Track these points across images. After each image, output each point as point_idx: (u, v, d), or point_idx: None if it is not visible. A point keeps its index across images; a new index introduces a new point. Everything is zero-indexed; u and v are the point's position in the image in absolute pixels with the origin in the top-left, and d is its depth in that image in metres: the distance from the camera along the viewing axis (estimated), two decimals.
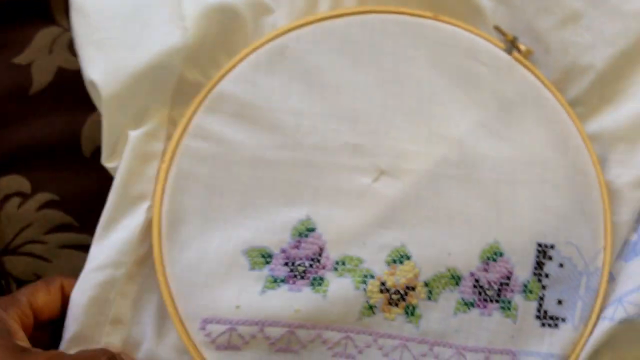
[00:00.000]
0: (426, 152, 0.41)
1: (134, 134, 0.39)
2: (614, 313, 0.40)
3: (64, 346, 0.37)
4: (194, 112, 0.39)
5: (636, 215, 0.42)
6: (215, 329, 0.38)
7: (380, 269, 0.40)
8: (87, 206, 0.39)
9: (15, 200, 0.41)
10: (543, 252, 0.41)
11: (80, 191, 0.41)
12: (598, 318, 0.41)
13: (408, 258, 0.40)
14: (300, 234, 0.39)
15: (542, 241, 0.41)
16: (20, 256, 0.41)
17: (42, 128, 0.42)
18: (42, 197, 0.41)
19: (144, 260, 0.39)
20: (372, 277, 0.40)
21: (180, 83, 0.40)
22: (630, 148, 0.43)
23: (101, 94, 0.38)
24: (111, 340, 0.38)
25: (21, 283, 0.40)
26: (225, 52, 0.41)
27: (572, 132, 0.42)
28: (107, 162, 0.39)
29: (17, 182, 0.41)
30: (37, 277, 0.40)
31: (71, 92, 0.40)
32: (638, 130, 0.43)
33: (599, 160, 0.43)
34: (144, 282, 0.39)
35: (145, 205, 0.39)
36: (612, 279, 0.42)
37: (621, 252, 0.42)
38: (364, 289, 0.39)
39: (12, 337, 0.33)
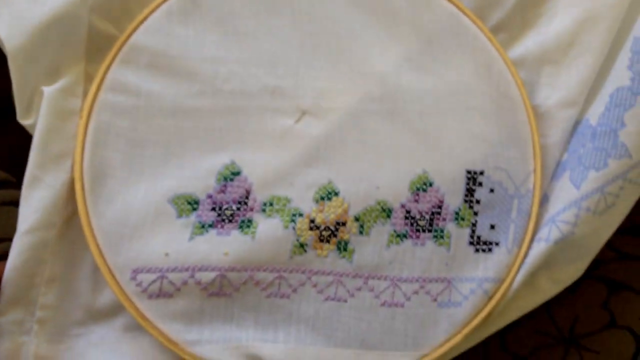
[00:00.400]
0: (348, 90, 0.41)
1: (48, 90, 0.39)
2: (549, 234, 0.39)
3: (1, 309, 0.37)
4: (109, 66, 0.39)
5: (566, 135, 0.42)
6: (146, 278, 0.38)
7: (308, 207, 0.40)
8: (23, 162, 0.39)
9: None
10: (473, 179, 0.41)
11: (16, 148, 0.41)
12: (532, 240, 0.40)
13: (336, 194, 0.40)
14: (225, 179, 0.39)
15: (471, 168, 0.41)
16: None
17: None
18: None
19: (73, 217, 0.39)
20: (301, 215, 0.39)
21: (93, 37, 0.40)
22: (556, 69, 0.43)
23: (6, 48, 0.38)
24: (47, 299, 0.38)
25: None
26: (137, 2, 0.41)
27: (495, 58, 0.42)
28: (22, 119, 0.39)
29: None
30: None
31: None
32: (562, 51, 0.42)
33: (526, 85, 0.42)
34: (76, 239, 0.39)
35: (68, 163, 0.39)
36: (546, 200, 0.41)
37: (554, 173, 0.42)
38: (293, 228, 0.39)
39: None
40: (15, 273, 0.38)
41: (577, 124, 0.42)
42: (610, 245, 0.42)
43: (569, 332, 0.42)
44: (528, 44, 0.43)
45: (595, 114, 0.40)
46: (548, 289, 0.41)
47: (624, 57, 0.40)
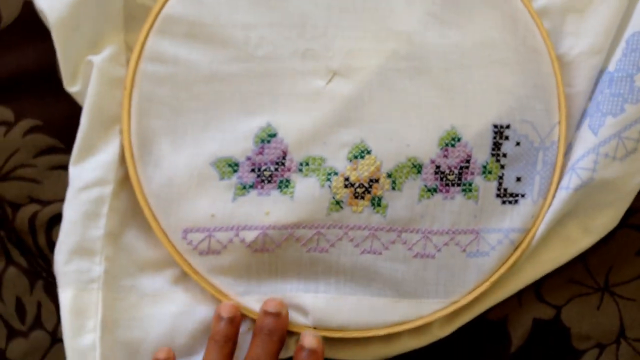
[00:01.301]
0: (375, 49, 0.42)
1: (97, 59, 0.41)
2: (569, 181, 0.41)
3: (61, 260, 0.40)
4: (146, 36, 0.41)
5: (591, 84, 0.43)
6: (195, 237, 0.41)
7: (342, 166, 0.42)
8: (69, 128, 0.41)
9: (1, 129, 0.44)
10: (499, 133, 0.42)
11: (62, 115, 0.43)
12: (556, 190, 0.42)
13: (368, 152, 0.42)
14: (262, 141, 0.42)
15: (498, 122, 0.42)
16: (12, 181, 0.44)
17: (16, 60, 0.44)
18: (26, 123, 0.44)
19: (125, 181, 0.42)
20: (336, 174, 0.42)
21: (129, 7, 0.41)
22: (580, 17, 0.43)
23: (49, 20, 0.40)
24: (109, 251, 0.41)
25: (15, 207, 0.43)
26: None
27: (520, 9, 0.42)
28: (68, 87, 0.42)
29: (0, 112, 0.44)
30: (31, 199, 0.43)
31: (39, 23, 0.42)
32: None
33: (551, 35, 0.43)
34: (128, 200, 0.42)
35: (117, 128, 0.41)
36: (570, 149, 0.43)
37: (578, 122, 0.43)
38: (329, 186, 0.41)
39: None
40: (74, 226, 0.40)
41: (601, 72, 0.43)
42: None
43: (604, 281, 0.43)
44: None
45: (614, 60, 0.41)
46: (580, 239, 0.43)
47: None
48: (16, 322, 0.43)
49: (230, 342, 0.40)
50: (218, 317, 0.40)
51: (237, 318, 0.40)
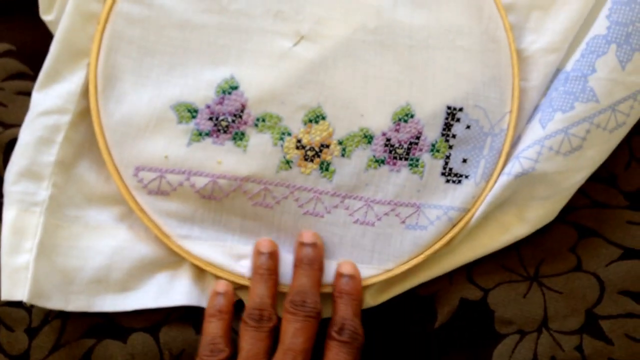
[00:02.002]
0: (345, 19, 0.43)
1: None
2: (512, 168, 0.42)
3: (10, 179, 0.41)
4: None
5: (547, 80, 0.44)
6: (147, 176, 0.42)
7: (297, 127, 0.43)
8: (40, 57, 0.43)
9: None
10: (452, 115, 0.43)
11: (35, 42, 0.45)
12: (499, 175, 0.43)
13: (323, 118, 0.43)
14: (224, 92, 0.43)
15: (452, 104, 0.43)
16: None
17: None
18: (0, 47, 0.45)
19: (85, 113, 0.43)
20: (289, 134, 0.43)
21: None
22: (543, 14, 0.44)
23: None
24: (57, 179, 0.42)
25: None
26: None
27: (487, 1, 0.44)
28: (43, 15, 0.43)
29: None
30: None
31: None
32: None
33: (514, 29, 0.44)
34: (85, 133, 0.43)
35: (85, 61, 0.43)
36: (519, 140, 0.44)
37: (530, 116, 0.44)
38: (281, 145, 0.43)
39: None
40: (27, 148, 0.42)
41: (558, 71, 0.44)
42: (584, 192, 0.44)
43: (534, 271, 0.45)
44: None
45: (572, 60, 0.43)
46: (516, 227, 0.44)
47: (605, 6, 0.42)
48: None
49: (273, 275, 0.42)
50: (258, 253, 0.42)
51: (275, 252, 0.42)
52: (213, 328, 0.41)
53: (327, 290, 0.43)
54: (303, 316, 0.39)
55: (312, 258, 0.42)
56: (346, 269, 0.42)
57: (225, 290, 0.42)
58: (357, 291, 0.42)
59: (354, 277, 0.42)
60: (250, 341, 0.39)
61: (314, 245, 0.42)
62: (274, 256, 0.42)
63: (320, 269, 0.42)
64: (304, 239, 0.42)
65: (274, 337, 0.40)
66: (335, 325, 0.40)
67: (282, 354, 0.39)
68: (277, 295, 0.42)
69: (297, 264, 0.42)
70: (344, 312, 0.41)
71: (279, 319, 0.41)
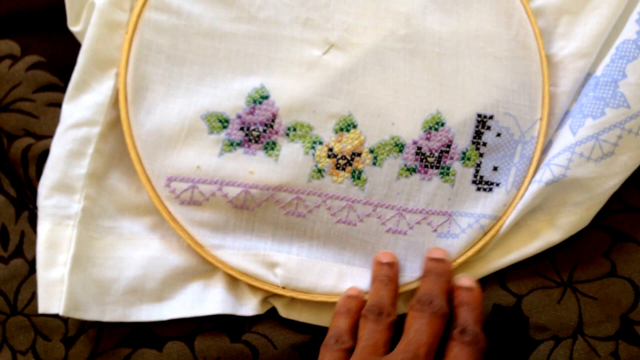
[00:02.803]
0: (374, 27, 0.43)
1: (100, 1, 0.42)
2: (542, 175, 0.42)
3: (43, 193, 0.41)
4: None
5: (576, 86, 0.44)
6: (179, 186, 0.43)
7: (328, 136, 0.43)
8: (70, 68, 0.43)
9: (6, 62, 0.45)
10: (482, 123, 0.43)
11: (64, 54, 0.45)
12: (530, 183, 0.43)
13: (354, 126, 0.43)
14: (254, 101, 0.43)
15: (482, 112, 0.43)
16: (10, 113, 0.45)
17: None
18: (31, 59, 0.46)
19: (115, 124, 0.43)
20: (321, 143, 0.43)
21: None
22: (573, 20, 0.44)
23: None
24: (90, 191, 0.42)
25: (11, 138, 0.45)
26: None
27: (516, 6, 0.44)
28: (71, 26, 0.43)
29: (8, 45, 0.46)
30: (26, 132, 0.45)
31: None
32: (581, 2, 0.44)
33: (543, 35, 0.44)
34: (116, 143, 0.43)
35: (113, 71, 0.43)
36: (550, 147, 0.44)
37: (560, 122, 0.44)
38: (313, 154, 0.43)
39: None
40: (58, 162, 0.42)
41: (588, 76, 0.44)
42: (617, 196, 0.44)
43: (568, 277, 0.44)
44: None
45: (602, 65, 0.42)
46: (548, 234, 0.44)
47: (635, 11, 0.42)
48: None
49: (393, 283, 0.43)
50: (379, 263, 0.43)
51: (396, 264, 0.43)
52: (341, 323, 0.41)
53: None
54: (429, 313, 0.39)
55: (441, 270, 0.42)
56: (465, 282, 0.42)
57: (357, 294, 0.43)
58: (476, 301, 0.41)
59: (473, 289, 0.41)
60: (369, 332, 0.40)
61: (441, 259, 0.42)
62: (393, 266, 0.43)
63: (449, 281, 0.42)
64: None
65: (393, 332, 0.40)
66: (456, 328, 0.40)
67: (405, 345, 0.39)
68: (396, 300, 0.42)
69: (426, 274, 0.42)
70: (465, 317, 0.40)
71: (398, 318, 0.41)
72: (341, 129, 0.43)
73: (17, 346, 0.44)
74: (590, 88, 0.42)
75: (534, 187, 0.42)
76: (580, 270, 0.44)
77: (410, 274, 0.43)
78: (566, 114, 0.44)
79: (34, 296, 0.44)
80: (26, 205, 0.45)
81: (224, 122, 0.43)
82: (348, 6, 0.43)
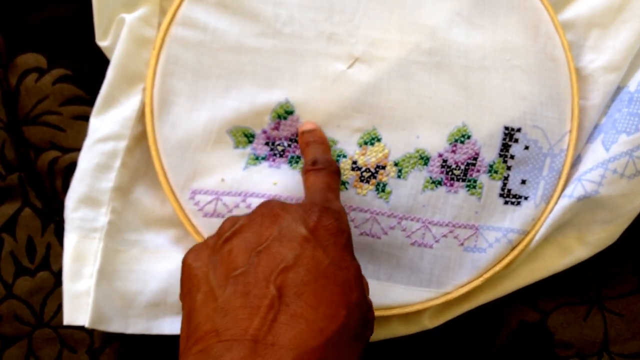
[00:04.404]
0: (399, 41, 0.43)
1: (129, 17, 0.43)
2: (574, 190, 0.42)
3: (70, 206, 0.42)
4: (181, 2, 0.42)
5: (607, 99, 0.43)
6: (203, 198, 0.43)
7: (352, 150, 0.43)
8: (96, 81, 0.43)
9: (33, 75, 0.46)
10: (510, 135, 0.43)
11: (91, 67, 0.45)
12: (559, 197, 0.43)
13: (379, 140, 0.43)
14: (279, 117, 0.43)
15: (510, 124, 0.43)
16: (37, 126, 0.46)
17: (55, 9, 0.46)
18: (57, 72, 0.46)
19: (141, 138, 0.43)
20: (345, 156, 0.43)
21: None
22: (603, 33, 0.44)
23: None
24: (116, 204, 0.42)
25: (38, 151, 0.46)
26: None
27: (544, 18, 0.43)
28: (99, 41, 0.44)
29: (35, 58, 0.46)
30: (53, 145, 0.46)
31: None
32: (611, 15, 0.43)
33: (572, 48, 0.44)
34: (141, 157, 0.43)
35: (140, 86, 0.43)
36: (579, 161, 0.43)
37: (590, 136, 0.44)
38: None
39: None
40: (85, 175, 0.42)
41: (619, 90, 0.43)
42: None
43: (595, 293, 0.44)
44: (579, 6, 0.44)
45: (636, 80, 0.42)
46: (577, 250, 0.43)
47: None
48: (25, 261, 0.45)
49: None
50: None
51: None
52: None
53: (380, 313, 0.42)
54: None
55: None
56: (307, 126, 0.42)
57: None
58: (320, 137, 0.42)
59: (315, 129, 0.42)
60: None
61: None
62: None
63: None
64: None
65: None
66: (308, 162, 0.39)
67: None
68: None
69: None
70: (314, 152, 0.41)
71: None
72: (365, 143, 0.43)
73: (43, 358, 0.44)
74: (624, 104, 0.42)
75: (564, 202, 0.42)
76: (607, 288, 0.44)
77: (437, 288, 0.43)
78: (596, 127, 0.44)
79: (59, 308, 0.44)
80: (52, 218, 0.45)
81: (249, 137, 0.43)
82: (373, 21, 0.43)
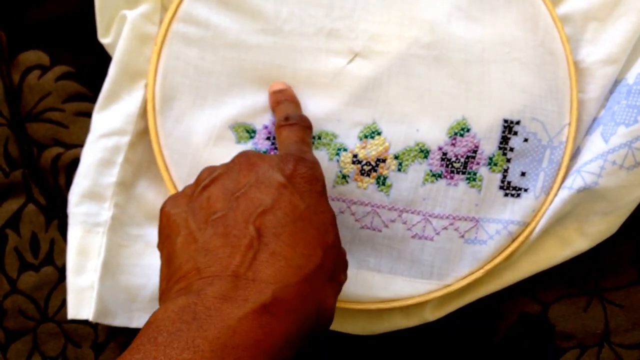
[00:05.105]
0: (398, 35, 0.44)
1: (131, 14, 0.43)
2: (573, 182, 0.42)
3: (74, 201, 0.42)
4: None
5: (605, 92, 0.44)
6: None
7: (352, 143, 0.43)
8: (98, 78, 0.44)
9: (36, 72, 0.46)
10: (509, 128, 0.43)
11: (93, 64, 0.46)
12: (559, 188, 0.43)
13: (379, 134, 0.43)
14: None
15: (509, 117, 0.43)
16: (40, 123, 0.46)
17: (57, 6, 0.47)
18: (60, 69, 0.46)
19: (143, 133, 0.44)
20: (345, 150, 0.43)
21: None
22: (601, 26, 0.44)
23: None
24: (119, 199, 0.43)
25: (41, 147, 0.46)
26: None
27: (542, 12, 0.43)
28: (101, 38, 0.44)
29: (38, 55, 0.46)
30: (56, 141, 0.46)
31: None
32: (608, 8, 0.43)
33: (570, 41, 0.44)
34: (144, 152, 0.44)
35: (142, 82, 0.44)
36: (578, 153, 0.44)
37: (588, 128, 0.44)
38: (337, 160, 0.43)
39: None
40: (89, 170, 0.43)
41: (617, 82, 0.43)
42: None
43: (595, 285, 0.44)
44: (576, 0, 0.44)
45: (634, 73, 0.42)
46: (577, 242, 0.43)
47: None
48: (29, 256, 0.46)
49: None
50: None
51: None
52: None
53: (375, 306, 0.43)
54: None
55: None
56: (277, 86, 0.43)
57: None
58: (291, 96, 0.43)
59: (285, 89, 0.43)
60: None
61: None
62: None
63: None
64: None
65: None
66: (280, 119, 0.40)
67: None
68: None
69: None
70: (286, 108, 0.41)
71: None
72: (365, 136, 0.43)
73: (47, 352, 0.45)
74: (622, 96, 0.42)
75: (564, 194, 0.42)
76: (607, 279, 0.44)
77: (438, 280, 0.43)
78: (595, 120, 0.44)
79: (64, 303, 0.45)
80: (56, 214, 0.46)
81: (251, 133, 0.43)
82: (372, 15, 0.43)
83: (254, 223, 0.31)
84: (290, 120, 0.39)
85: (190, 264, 0.31)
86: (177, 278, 0.31)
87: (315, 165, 0.35)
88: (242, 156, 0.35)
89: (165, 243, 0.33)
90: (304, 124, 0.39)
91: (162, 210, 0.34)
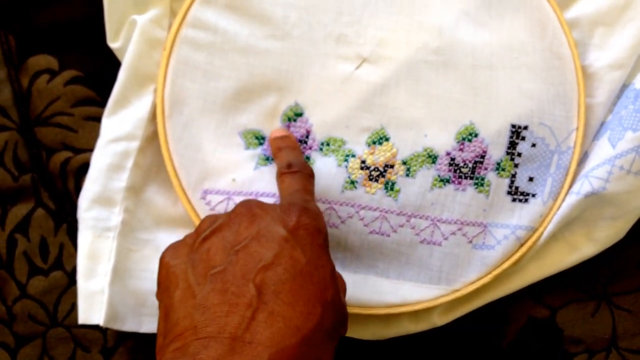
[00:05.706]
0: (406, 40, 0.44)
1: (141, 19, 0.43)
2: (581, 187, 0.42)
3: (83, 206, 0.42)
4: (191, 4, 0.43)
5: (612, 97, 0.44)
6: (214, 198, 0.43)
7: (361, 149, 0.44)
8: (107, 82, 0.44)
9: (45, 77, 0.46)
10: (517, 133, 0.43)
11: (102, 68, 0.46)
12: (567, 194, 0.43)
13: (387, 139, 0.43)
14: (289, 119, 0.44)
15: (516, 122, 0.43)
16: (49, 127, 0.46)
17: (65, 11, 0.47)
18: (68, 73, 0.47)
19: (153, 138, 0.44)
20: (354, 156, 0.43)
21: None
22: (608, 31, 0.44)
23: None
24: (129, 204, 0.43)
25: (50, 151, 0.46)
26: None
27: (550, 17, 0.44)
28: (111, 43, 0.44)
29: (47, 60, 0.47)
30: (65, 146, 0.46)
31: None
32: (616, 13, 0.44)
33: (578, 46, 0.44)
34: (153, 157, 0.44)
35: (152, 87, 0.44)
36: (586, 158, 0.44)
37: (596, 133, 0.44)
38: (346, 166, 0.43)
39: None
40: (98, 175, 0.43)
41: (624, 87, 0.44)
42: None
43: (603, 289, 0.44)
44: (584, 5, 0.44)
45: None
46: (585, 247, 0.44)
47: None
48: (39, 260, 0.46)
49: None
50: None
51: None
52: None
53: (384, 312, 0.43)
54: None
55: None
56: (278, 133, 0.43)
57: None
58: (293, 143, 0.43)
59: (287, 136, 0.43)
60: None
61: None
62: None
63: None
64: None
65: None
66: (282, 167, 0.40)
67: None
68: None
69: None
70: (288, 156, 0.41)
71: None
72: (374, 142, 0.43)
73: (57, 357, 0.45)
74: (630, 100, 0.42)
75: (571, 199, 0.42)
76: (615, 283, 0.44)
77: (446, 285, 0.43)
78: (602, 125, 0.44)
79: (73, 308, 0.45)
80: (65, 218, 0.46)
81: (260, 139, 0.43)
82: (380, 21, 0.44)
83: (253, 280, 0.31)
84: (293, 167, 0.39)
85: (187, 321, 0.30)
86: (174, 336, 0.30)
87: (318, 216, 0.35)
88: (244, 206, 0.35)
89: (163, 295, 0.33)
90: (306, 172, 0.39)
91: (161, 260, 0.34)
